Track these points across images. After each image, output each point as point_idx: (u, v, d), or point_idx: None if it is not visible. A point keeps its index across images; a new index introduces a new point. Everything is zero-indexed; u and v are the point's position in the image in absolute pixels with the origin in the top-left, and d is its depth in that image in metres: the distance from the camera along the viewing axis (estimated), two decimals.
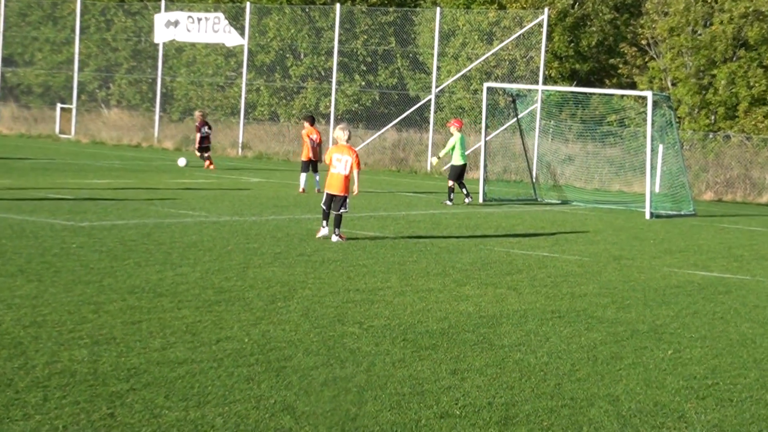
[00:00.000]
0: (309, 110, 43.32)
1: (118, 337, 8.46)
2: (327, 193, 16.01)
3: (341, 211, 15.90)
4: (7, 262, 11.80)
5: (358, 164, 16.07)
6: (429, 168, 36.81)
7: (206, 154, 31.50)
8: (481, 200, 26.54)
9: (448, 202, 24.47)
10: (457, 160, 25.29)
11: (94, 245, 13.55)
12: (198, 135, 31.68)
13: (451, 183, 25.11)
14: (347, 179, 15.94)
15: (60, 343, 8.12)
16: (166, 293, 10.54)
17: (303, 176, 25.22)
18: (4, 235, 13.98)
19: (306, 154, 25.54)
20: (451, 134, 25.83)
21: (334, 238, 15.66)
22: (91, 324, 8.89)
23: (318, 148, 25.61)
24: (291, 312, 10.05)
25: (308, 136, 25.60)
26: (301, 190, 24.93)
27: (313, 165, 25.47)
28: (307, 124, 25.85)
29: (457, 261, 14.61)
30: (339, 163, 15.91)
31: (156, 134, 43.25)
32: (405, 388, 7.56)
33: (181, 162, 31.45)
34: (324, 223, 15.97)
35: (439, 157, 26.41)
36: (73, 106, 44.82)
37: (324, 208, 16.01)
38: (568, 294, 12.43)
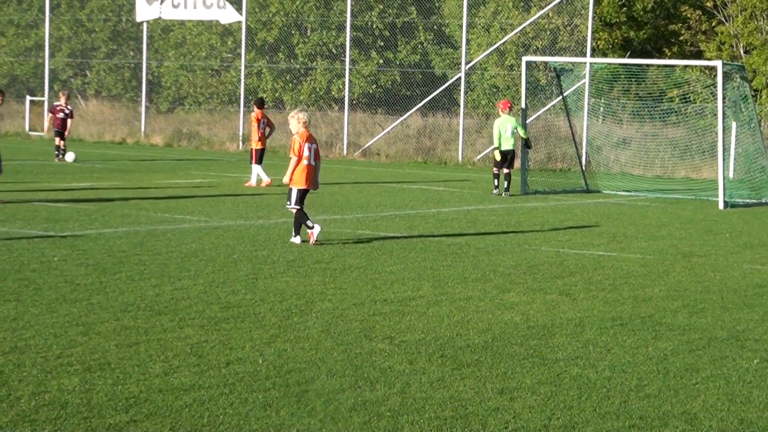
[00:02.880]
0: (319, 94, 43.47)
1: (113, 362, 8.55)
2: (301, 189, 15.89)
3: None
4: None
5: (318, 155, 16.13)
6: (479, 158, 36.85)
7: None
8: (522, 192, 26.61)
9: (504, 193, 25.90)
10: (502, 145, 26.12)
11: (78, 258, 13.67)
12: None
13: (497, 170, 26.16)
14: (317, 170, 16.08)
15: (47, 371, 8.21)
16: (165, 310, 10.63)
17: (260, 168, 25.89)
18: None
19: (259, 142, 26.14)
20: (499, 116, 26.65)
21: (297, 240, 15.76)
22: (81, 348, 8.98)
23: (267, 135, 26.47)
24: (310, 328, 10.13)
25: (257, 121, 26.25)
26: (267, 183, 25.37)
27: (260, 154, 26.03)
28: (257, 109, 26.45)
29: (498, 264, 14.66)
30: (309, 152, 15.92)
31: (143, 128, 43.47)
32: (446, 411, 7.62)
33: (69, 157, 31.43)
34: (309, 223, 15.77)
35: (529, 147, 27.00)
36: (45, 98, 45.07)
37: (296, 207, 15.84)
38: (631, 298, 12.45)
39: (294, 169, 15.90)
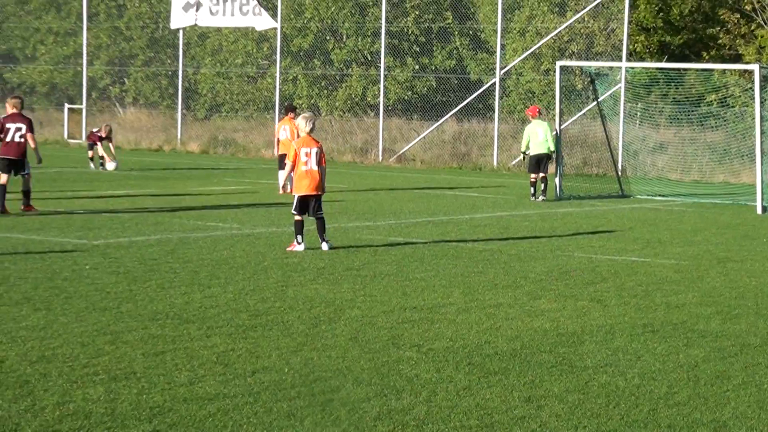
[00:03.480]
0: (354, 101, 43.48)
1: (139, 372, 8.55)
2: (301, 196, 15.77)
3: (321, 213, 15.83)
4: (11, 288, 11.98)
5: (324, 159, 16.00)
6: (514, 163, 36.76)
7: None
8: (556, 198, 26.49)
9: (540, 197, 25.93)
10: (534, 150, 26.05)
11: (110, 266, 13.71)
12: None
13: (534, 177, 26.12)
14: (321, 175, 15.86)
15: (72, 381, 8.22)
16: (193, 319, 10.64)
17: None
18: (7, 257, 14.19)
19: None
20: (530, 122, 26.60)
21: (326, 246, 15.65)
22: (107, 357, 8.99)
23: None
24: (337, 336, 10.10)
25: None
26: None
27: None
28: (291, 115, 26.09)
29: (530, 270, 14.58)
30: (308, 158, 15.75)
31: (179, 135, 43.65)
32: (472, 420, 7.57)
33: (110, 166, 31.36)
34: (299, 238, 15.65)
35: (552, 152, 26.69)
36: (83, 106, 45.37)
37: (297, 214, 15.75)
38: (663, 304, 12.35)
39: (287, 176, 15.86)
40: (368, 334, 10.20)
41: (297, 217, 15.73)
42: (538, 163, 25.98)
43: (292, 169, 15.86)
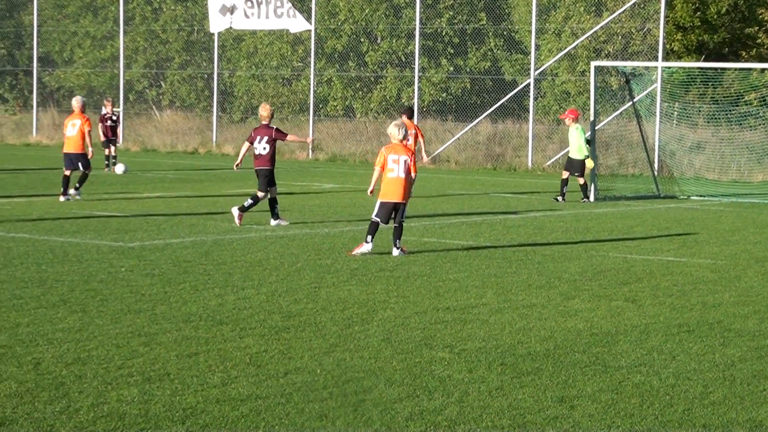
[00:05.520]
0: (389, 102, 43.49)
1: (173, 373, 8.59)
2: (386, 203, 15.73)
3: (403, 221, 15.77)
4: (48, 290, 12.07)
5: (415, 167, 15.93)
6: (549, 163, 36.66)
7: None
8: (592, 199, 26.38)
9: (585, 200, 25.92)
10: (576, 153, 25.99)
11: (145, 268, 13.79)
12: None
13: (582, 180, 26.06)
14: (407, 183, 15.80)
15: (107, 382, 8.28)
16: (226, 320, 10.68)
17: None
18: (44, 260, 14.30)
19: None
20: (568, 127, 26.45)
21: (396, 252, 15.58)
22: (141, 359, 9.05)
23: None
24: (370, 337, 10.11)
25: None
26: None
27: None
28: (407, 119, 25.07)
29: (564, 270, 14.54)
30: (397, 164, 15.68)
31: (214, 138, 43.81)
32: (504, 420, 7.56)
33: (119, 169, 31.33)
34: (369, 237, 15.57)
35: (587, 157, 26.33)
36: (120, 109, 45.61)
37: (379, 220, 15.68)
38: (699, 304, 12.29)
39: (375, 181, 15.90)
40: (401, 335, 10.21)
41: (374, 220, 15.67)
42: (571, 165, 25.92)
43: (380, 175, 15.86)
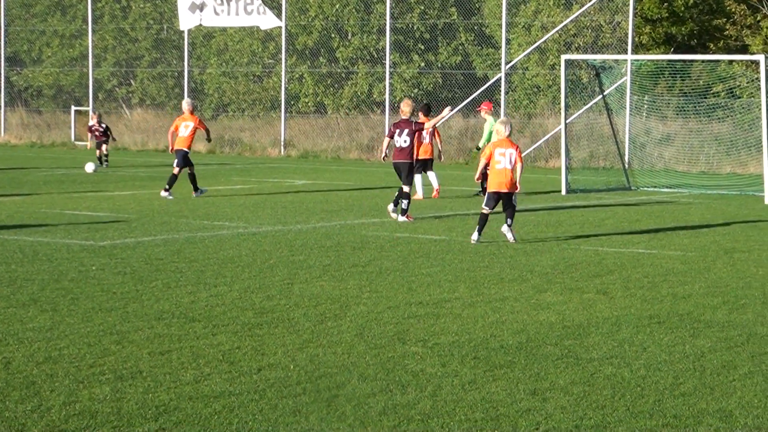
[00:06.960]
0: (360, 98, 43.46)
1: (145, 371, 8.58)
2: (494, 192, 16.71)
3: (515, 205, 17.01)
4: (18, 290, 12.01)
5: (521, 158, 16.98)
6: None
7: None
8: (563, 192, 26.45)
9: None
10: None
11: (116, 267, 13.74)
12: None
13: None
14: (514, 174, 16.78)
15: (78, 381, 8.25)
16: (199, 317, 10.66)
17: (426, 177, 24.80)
18: (14, 259, 14.23)
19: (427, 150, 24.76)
20: (484, 119, 25.89)
21: (510, 237, 16.70)
22: (113, 357, 9.02)
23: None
24: (343, 332, 10.12)
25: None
26: (434, 193, 24.61)
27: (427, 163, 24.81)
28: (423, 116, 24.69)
29: (535, 264, 14.59)
30: (503, 157, 16.74)
31: None
32: (477, 413, 7.58)
33: (89, 168, 31.12)
34: (479, 228, 16.63)
35: (478, 148, 25.96)
36: (90, 108, 45.42)
37: (489, 210, 16.70)
38: (669, 295, 12.35)
39: (481, 171, 17.39)
40: (374, 330, 10.22)
41: (485, 211, 16.71)
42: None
43: (485, 166, 17.04)
